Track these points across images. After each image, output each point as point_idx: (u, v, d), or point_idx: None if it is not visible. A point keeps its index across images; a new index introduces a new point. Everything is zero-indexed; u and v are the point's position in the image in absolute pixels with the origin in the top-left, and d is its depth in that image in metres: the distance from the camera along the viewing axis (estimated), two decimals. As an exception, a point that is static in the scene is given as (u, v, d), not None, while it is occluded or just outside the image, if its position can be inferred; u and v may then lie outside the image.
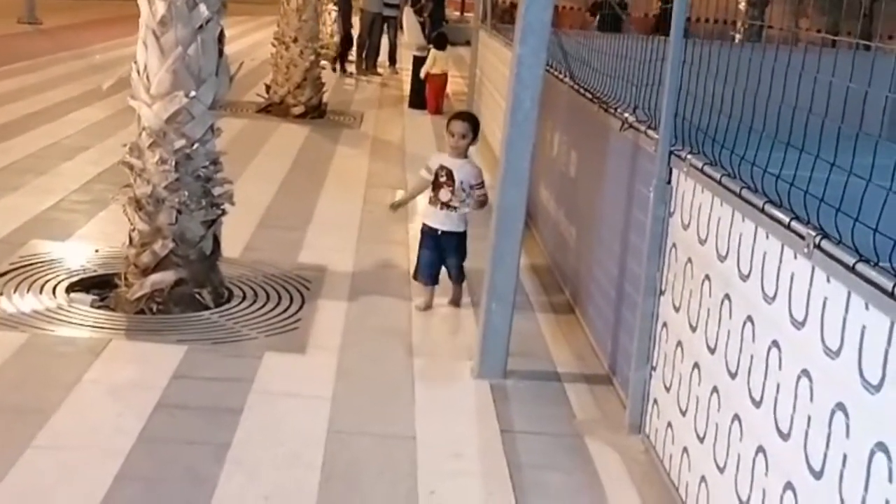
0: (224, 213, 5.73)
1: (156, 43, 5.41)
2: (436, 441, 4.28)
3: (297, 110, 12.86)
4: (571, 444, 4.38)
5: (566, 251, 6.55)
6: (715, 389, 3.58)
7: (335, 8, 20.26)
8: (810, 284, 2.85)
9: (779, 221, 3.08)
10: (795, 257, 2.96)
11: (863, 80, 2.89)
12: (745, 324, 3.33)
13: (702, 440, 3.66)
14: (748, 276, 3.34)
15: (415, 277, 5.91)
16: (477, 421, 4.56)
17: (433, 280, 5.83)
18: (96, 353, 4.84)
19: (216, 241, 5.71)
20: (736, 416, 3.35)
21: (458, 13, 31.77)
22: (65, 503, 3.52)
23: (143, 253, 5.50)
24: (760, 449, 3.11)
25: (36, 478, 3.68)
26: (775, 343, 3.07)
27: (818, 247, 2.79)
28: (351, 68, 18.75)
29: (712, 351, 3.63)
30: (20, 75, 14.08)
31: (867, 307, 2.52)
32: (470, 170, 5.80)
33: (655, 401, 4.29)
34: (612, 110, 5.43)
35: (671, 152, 4.24)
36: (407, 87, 15.75)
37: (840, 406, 2.62)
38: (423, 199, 6.04)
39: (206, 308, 5.55)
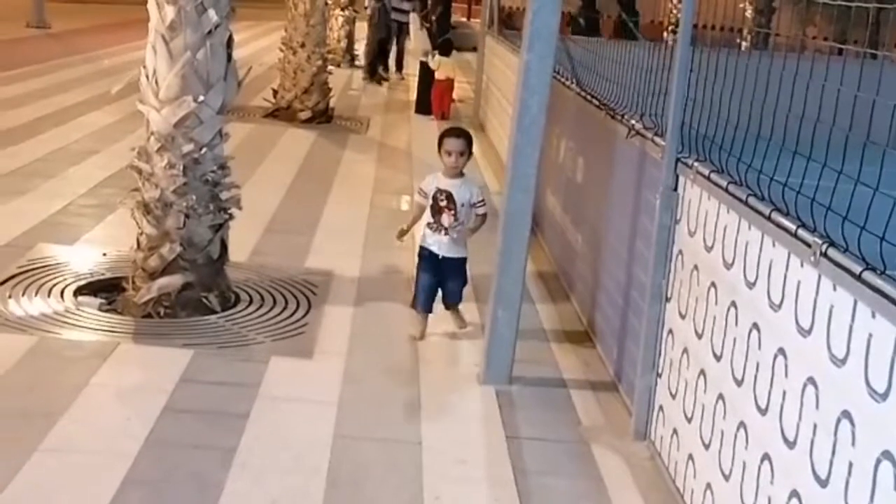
0: (231, 217, 5.74)
1: (165, 47, 5.44)
2: (441, 447, 4.29)
3: (304, 115, 12.89)
4: (577, 451, 4.39)
5: (572, 258, 6.55)
6: (721, 397, 3.58)
7: (343, 13, 20.30)
8: (816, 292, 2.86)
9: (785, 229, 3.08)
10: (802, 265, 2.97)
11: (870, 89, 2.90)
12: (751, 331, 3.34)
13: (707, 447, 3.67)
14: (754, 283, 3.34)
15: (413, 305, 5.53)
16: (482, 427, 4.57)
17: (430, 308, 5.50)
18: (104, 356, 4.85)
19: (223, 246, 5.73)
20: (742, 424, 3.35)
21: (464, 19, 31.81)
22: (72, 506, 3.54)
23: (151, 257, 5.52)
24: (766, 456, 3.12)
25: (43, 481, 3.69)
26: (781, 351, 3.08)
27: (825, 255, 2.80)
28: (385, 74, 18.83)
29: (718, 358, 3.64)
30: (28, 79, 14.13)
31: (874, 315, 2.53)
32: (470, 188, 5.48)
33: (661, 407, 4.29)
34: (619, 117, 5.44)
35: (678, 159, 4.25)
36: (413, 93, 15.78)
37: (846, 414, 2.62)
38: (424, 219, 5.56)
39: (213, 312, 5.57)
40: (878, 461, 2.45)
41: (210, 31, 5.47)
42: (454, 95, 15.08)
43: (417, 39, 16.25)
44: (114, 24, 23.44)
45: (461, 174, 5.48)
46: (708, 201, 3.89)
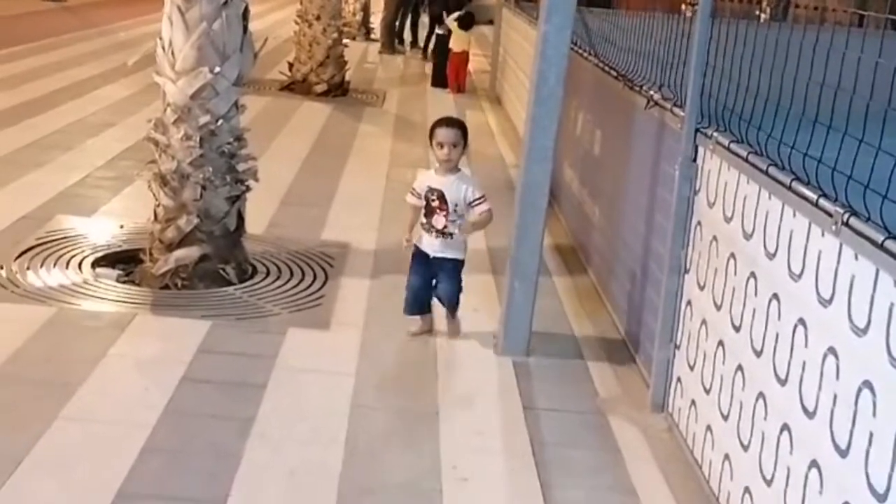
0: (248, 189, 5.74)
1: (181, 19, 5.42)
2: (458, 417, 4.30)
3: (320, 88, 12.86)
4: (594, 422, 4.39)
5: (590, 230, 6.53)
6: (740, 367, 3.57)
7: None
8: (838, 262, 2.84)
9: (806, 199, 3.06)
10: (823, 235, 2.95)
11: (891, 60, 2.86)
12: (770, 302, 3.32)
13: (726, 418, 3.66)
14: (774, 254, 3.32)
15: (405, 310, 5.11)
16: (500, 398, 4.57)
17: (420, 311, 5.09)
18: (122, 327, 4.87)
19: (240, 217, 5.73)
20: (761, 395, 3.34)
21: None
22: (91, 474, 3.55)
23: (168, 228, 5.52)
24: (785, 427, 3.11)
25: (63, 449, 3.72)
26: (801, 321, 3.06)
27: (846, 224, 2.77)
28: (401, 48, 18.85)
29: (737, 329, 3.62)
30: (45, 52, 14.13)
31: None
32: (465, 186, 4.90)
33: (679, 379, 4.28)
34: (637, 88, 5.40)
35: (697, 130, 4.22)
36: (429, 66, 15.72)
37: (867, 384, 2.61)
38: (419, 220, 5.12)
39: (230, 284, 5.57)
40: (900, 431, 2.43)
41: (226, 2, 5.45)
42: (469, 68, 15.01)
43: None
44: (129, -3, 23.40)
45: (456, 169, 4.96)
46: (728, 172, 3.86)
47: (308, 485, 3.65)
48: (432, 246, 4.97)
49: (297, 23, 13.32)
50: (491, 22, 17.35)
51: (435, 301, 5.15)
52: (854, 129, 2.94)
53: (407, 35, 19.75)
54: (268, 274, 5.82)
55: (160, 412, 4.06)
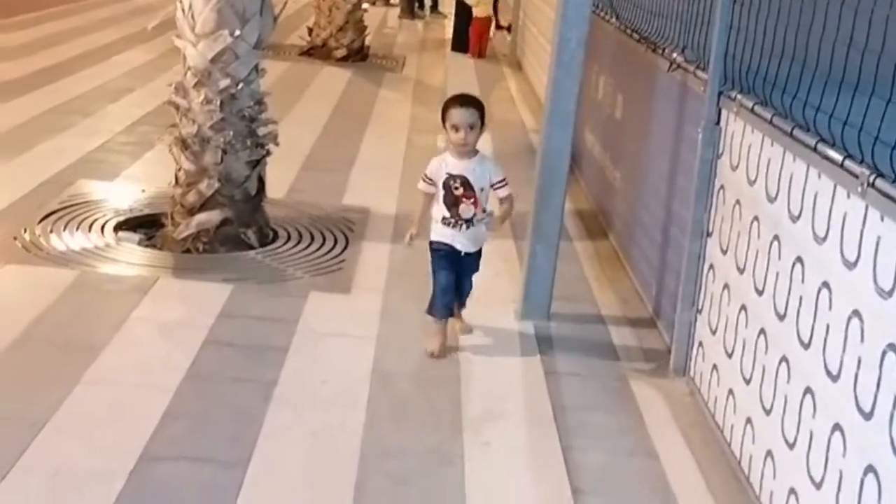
0: (268, 153, 5.74)
1: (200, -19, 5.40)
2: (480, 381, 4.30)
3: (340, 53, 12.82)
4: (615, 387, 4.38)
5: (611, 195, 6.50)
6: (762, 331, 3.55)
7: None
8: (863, 224, 2.81)
9: (831, 160, 3.02)
10: (848, 196, 2.91)
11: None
12: (794, 265, 3.29)
13: (748, 382, 3.65)
14: (798, 216, 3.29)
15: (430, 312, 4.56)
16: (521, 362, 4.57)
17: (450, 312, 4.61)
18: (144, 290, 4.89)
19: (261, 182, 5.73)
20: (784, 358, 3.32)
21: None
22: (115, 437, 3.58)
23: (189, 193, 5.53)
24: (808, 390, 3.09)
25: (86, 412, 3.74)
26: (825, 284, 3.04)
27: (872, 185, 2.74)
28: (421, 13, 18.76)
29: (760, 293, 3.60)
30: (65, 17, 14.13)
31: (923, 247, 2.48)
32: (488, 167, 4.50)
33: (700, 343, 4.27)
34: (660, 51, 5.35)
35: (720, 93, 4.17)
36: (449, 31, 15.63)
37: (892, 347, 2.59)
38: (436, 214, 4.56)
39: (252, 248, 5.59)
40: (925, 394, 2.42)
41: (245, -35, 5.43)
42: (490, 33, 14.92)
43: None
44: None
45: (475, 152, 4.49)
46: (751, 134, 3.83)
47: (330, 447, 3.66)
48: (462, 241, 4.49)
49: (316, -13, 13.26)
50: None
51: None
52: (881, 90, 2.90)
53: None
54: (289, 238, 5.83)
55: (182, 375, 4.08)
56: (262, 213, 5.81)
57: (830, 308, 2.99)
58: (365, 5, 13.90)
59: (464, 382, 4.27)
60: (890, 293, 2.63)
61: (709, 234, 4.26)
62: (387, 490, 3.41)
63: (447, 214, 4.46)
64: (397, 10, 19.01)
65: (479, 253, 4.64)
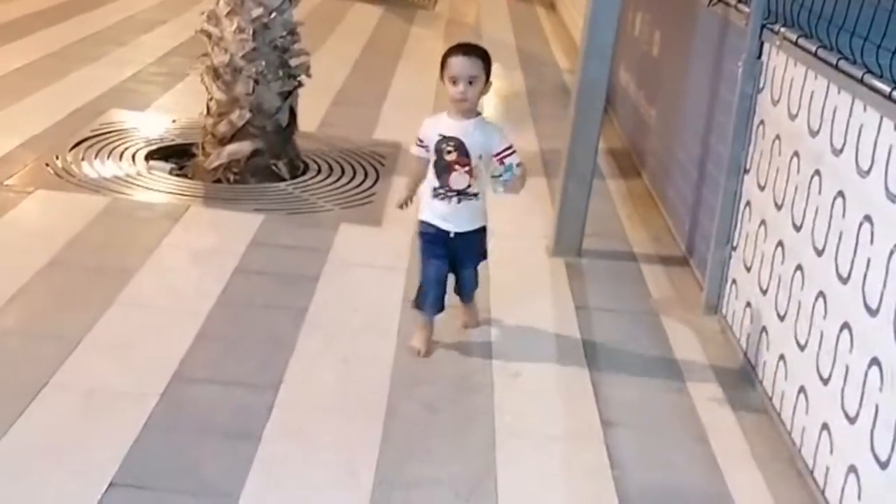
0: (300, 84, 5.70)
1: None
2: (510, 315, 4.28)
3: (372, -11, 12.67)
4: (647, 323, 4.36)
5: (645, 134, 6.43)
6: (799, 267, 3.51)
7: None
8: (910, 156, 2.75)
9: (878, 91, 2.95)
10: (895, 129, 2.85)
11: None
12: (835, 199, 3.24)
13: (782, 319, 3.61)
14: (841, 150, 3.24)
15: (417, 306, 3.89)
16: (551, 297, 4.55)
17: (442, 306, 3.90)
18: (175, 218, 4.89)
19: (292, 114, 5.70)
20: (821, 294, 3.28)
21: None
22: (148, 356, 3.60)
23: (221, 123, 5.51)
24: (845, 326, 3.06)
25: (121, 332, 3.76)
26: (867, 218, 2.99)
27: (921, 116, 2.68)
28: None
29: (798, 228, 3.55)
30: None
31: (972, 177, 2.43)
32: (489, 132, 3.75)
33: (734, 281, 4.23)
34: (701, -14, 5.25)
35: (763, 26, 4.09)
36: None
37: (935, 280, 2.55)
38: (427, 183, 3.86)
39: (282, 179, 5.57)
40: (968, 326, 2.38)
41: None
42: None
43: None
44: None
45: (476, 112, 3.77)
46: (794, 68, 3.75)
47: (361, 374, 3.67)
48: (453, 218, 3.78)
49: (348, -78, 13.09)
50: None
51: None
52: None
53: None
54: (319, 171, 5.81)
55: (214, 301, 4.09)
56: (293, 145, 5.78)
57: (872, 242, 2.94)
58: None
59: (493, 314, 4.25)
60: (935, 225, 2.58)
61: (746, 171, 4.20)
62: (417, 415, 3.42)
63: (437, 184, 3.76)
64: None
65: (478, 235, 3.89)
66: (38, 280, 4.11)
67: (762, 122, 4.07)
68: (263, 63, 5.48)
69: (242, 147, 5.49)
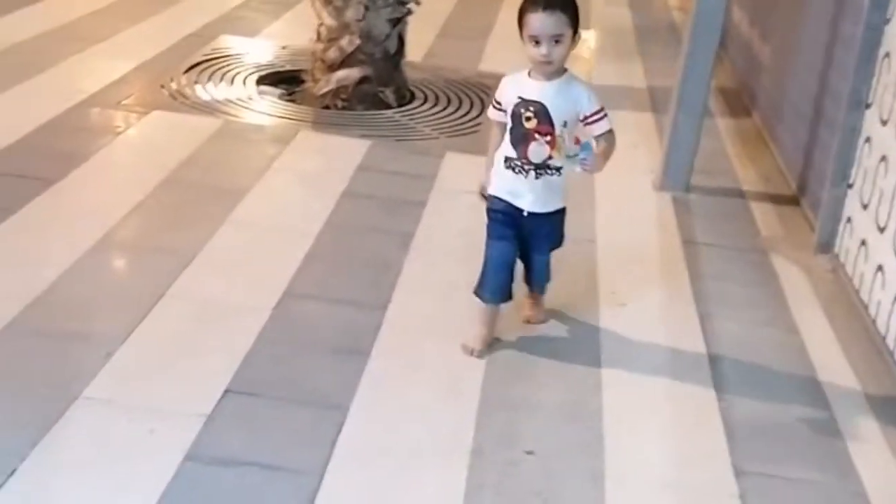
0: (410, 12, 5.69)
1: None
2: (616, 246, 4.26)
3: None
4: (755, 259, 4.29)
5: (758, 72, 6.27)
6: (921, 204, 3.41)
7: None
8: None
9: None
10: None
11: None
12: (964, 134, 3.13)
13: (900, 257, 3.52)
14: (974, 82, 3.12)
15: (477, 292, 3.39)
16: (658, 231, 4.50)
17: (508, 295, 3.39)
18: (285, 141, 4.96)
19: (401, 41, 5.70)
20: (944, 231, 3.19)
21: None
22: (258, 274, 3.67)
23: (330, 49, 5.54)
24: (970, 263, 2.97)
25: (230, 249, 3.84)
26: None
27: None
28: None
29: (922, 165, 3.44)
30: None
31: None
32: (578, 95, 3.20)
33: (849, 219, 4.13)
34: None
35: (892, -46, 3.94)
36: None
37: None
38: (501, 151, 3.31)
39: (389, 107, 5.59)
40: None
41: None
42: None
43: None
44: None
45: (562, 71, 3.20)
46: (925, -2, 3.61)
47: (465, 298, 3.65)
48: (528, 194, 3.26)
49: None
50: None
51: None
52: None
53: None
54: (425, 100, 5.81)
55: (323, 223, 4.15)
56: (400, 74, 5.79)
57: None
58: None
59: (599, 245, 4.23)
60: None
61: (867, 106, 4.07)
62: (521, 340, 3.44)
63: (512, 154, 3.24)
64: None
65: (555, 219, 3.38)
66: (154, 197, 4.21)
67: (888, 54, 3.93)
68: (374, -11, 5.49)
69: (351, 73, 5.52)
